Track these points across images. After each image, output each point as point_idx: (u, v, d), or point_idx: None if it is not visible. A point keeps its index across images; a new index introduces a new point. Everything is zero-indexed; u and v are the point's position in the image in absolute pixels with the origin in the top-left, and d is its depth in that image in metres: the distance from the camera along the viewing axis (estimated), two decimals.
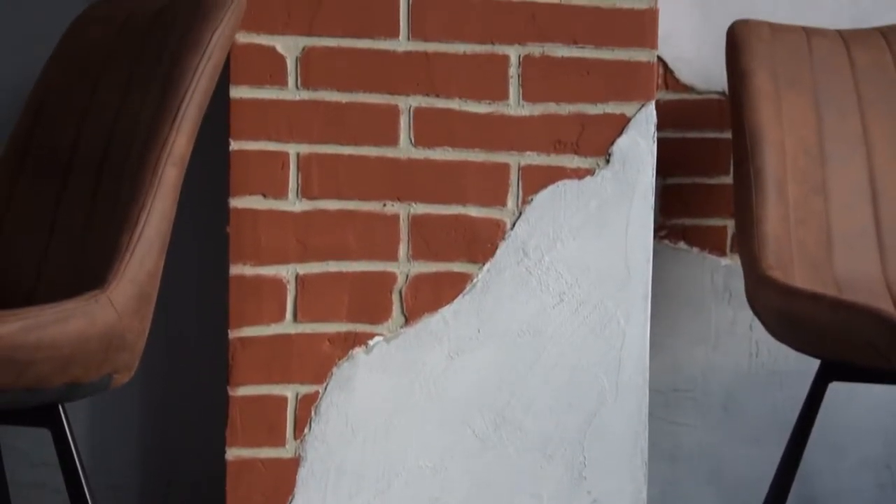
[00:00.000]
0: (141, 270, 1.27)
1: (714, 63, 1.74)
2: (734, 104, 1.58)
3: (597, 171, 1.51)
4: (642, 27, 1.49)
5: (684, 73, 1.79)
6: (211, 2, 1.38)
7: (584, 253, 1.51)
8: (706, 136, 1.81)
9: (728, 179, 1.76)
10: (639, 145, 1.51)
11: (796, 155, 1.57)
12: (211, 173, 1.56)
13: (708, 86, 1.79)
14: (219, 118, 1.50)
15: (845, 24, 1.73)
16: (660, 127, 1.57)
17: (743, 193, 1.54)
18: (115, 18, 1.50)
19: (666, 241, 1.80)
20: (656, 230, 1.74)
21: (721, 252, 1.81)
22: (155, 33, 1.43)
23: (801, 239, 1.55)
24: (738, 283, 1.65)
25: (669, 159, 1.75)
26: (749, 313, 1.64)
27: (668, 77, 1.78)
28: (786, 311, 1.43)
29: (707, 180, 1.81)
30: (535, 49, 1.50)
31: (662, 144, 1.62)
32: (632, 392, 1.53)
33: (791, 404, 1.77)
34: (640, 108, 1.51)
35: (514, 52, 1.50)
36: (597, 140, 1.51)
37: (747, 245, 1.51)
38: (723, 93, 1.76)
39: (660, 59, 1.74)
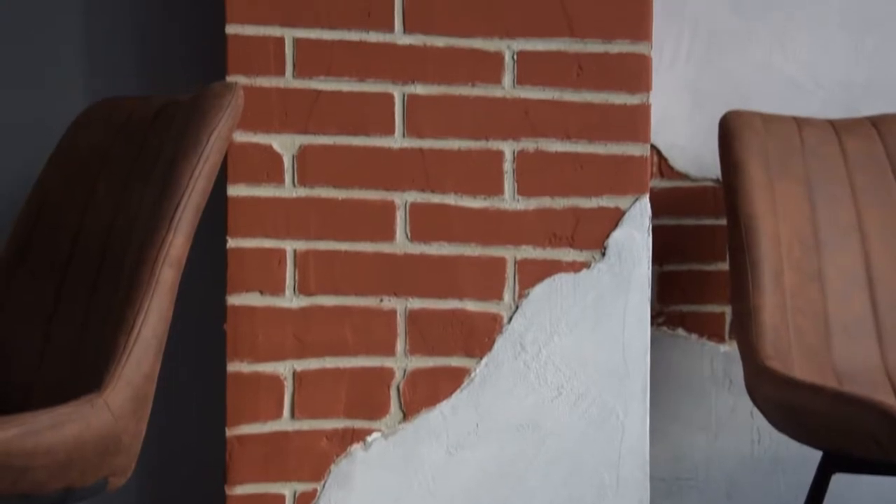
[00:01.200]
0: (138, 372, 1.27)
1: (707, 150, 1.75)
2: (728, 195, 1.59)
3: (592, 264, 1.52)
4: (635, 122, 1.51)
5: (678, 161, 1.80)
6: (208, 103, 1.39)
7: (581, 346, 1.51)
8: (702, 222, 1.81)
9: (724, 266, 1.76)
10: (634, 238, 1.52)
11: (791, 244, 1.58)
12: (208, 270, 1.56)
13: (702, 173, 1.80)
14: (216, 215, 1.51)
15: (836, 112, 1.75)
16: (655, 214, 1.58)
17: (739, 283, 1.54)
18: (115, 119, 1.52)
19: (664, 328, 1.79)
20: (654, 317, 1.74)
21: (720, 338, 1.80)
22: (153, 134, 1.45)
23: (799, 328, 1.54)
24: (738, 370, 1.64)
25: (666, 246, 1.76)
26: (750, 400, 1.63)
27: (663, 164, 1.80)
28: (786, 403, 1.42)
29: (703, 267, 1.81)
30: (528, 144, 1.51)
31: (658, 231, 1.62)
32: (633, 486, 1.52)
33: (795, 491, 1.75)
34: (634, 202, 1.52)
35: (508, 148, 1.51)
36: (592, 233, 1.52)
37: (745, 335, 1.50)
38: (717, 180, 1.77)
39: (653, 147, 1.76)
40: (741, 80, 1.79)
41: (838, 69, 1.78)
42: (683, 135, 1.80)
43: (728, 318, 1.80)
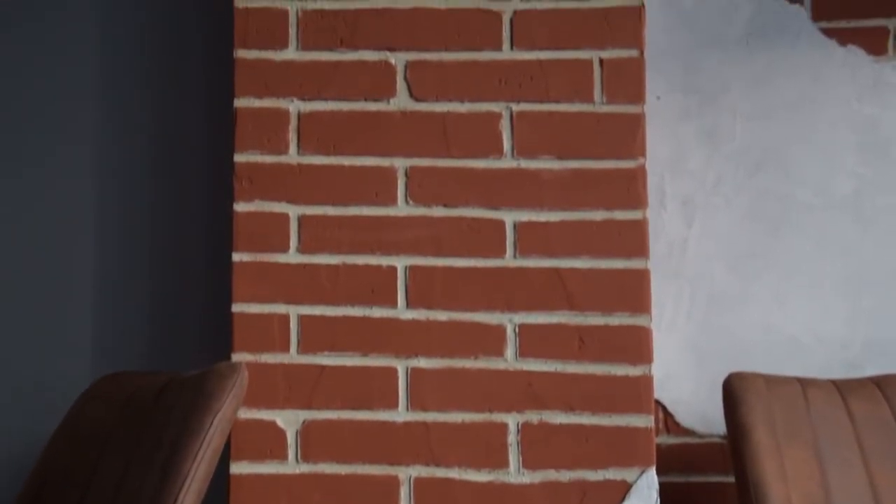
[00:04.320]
0: None
1: (712, 407, 1.75)
2: (736, 459, 1.56)
3: None
4: (638, 394, 1.51)
5: (684, 417, 1.79)
6: (212, 385, 1.40)
7: None
8: (710, 480, 1.78)
9: None
10: None
11: None
12: None
13: (708, 429, 1.79)
14: (218, 491, 1.49)
15: (838, 370, 1.75)
16: (664, 471, 1.55)
17: None
18: (119, 396, 1.53)
19: None
20: None
21: None
22: (157, 414, 1.45)
23: None
24: None
25: None
26: None
27: (669, 420, 1.79)
28: None
29: None
30: (532, 417, 1.51)
31: (668, 489, 1.59)
32: None
33: None
34: (640, 474, 1.50)
35: (512, 420, 1.51)
36: None
37: None
38: (724, 436, 1.75)
39: (658, 403, 1.76)
40: (742, 339, 1.80)
41: (837, 328, 1.79)
42: (688, 391, 1.80)
43: None
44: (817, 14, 1.81)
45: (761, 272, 1.80)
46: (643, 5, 1.52)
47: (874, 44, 1.79)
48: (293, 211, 1.53)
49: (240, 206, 1.53)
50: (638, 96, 1.52)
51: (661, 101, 1.83)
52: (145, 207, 1.76)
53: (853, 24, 1.79)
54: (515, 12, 1.53)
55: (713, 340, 1.80)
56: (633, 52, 1.52)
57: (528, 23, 1.53)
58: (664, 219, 1.83)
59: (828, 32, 1.80)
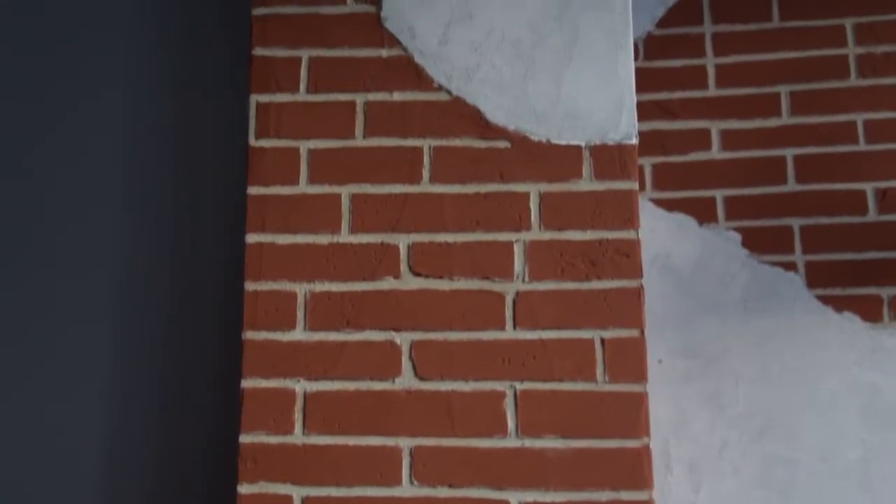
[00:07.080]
0: None
1: None
2: None
3: None
4: None
5: None
6: None
7: None
8: None
9: None
10: None
11: None
12: None
13: None
14: None
15: None
16: None
17: None
18: None
19: None
20: None
21: None
22: None
23: None
24: None
25: None
26: None
27: None
28: None
29: None
30: None
31: None
32: None
33: None
34: None
35: None
36: None
37: None
38: None
39: None
40: None
41: None
42: None
43: None
44: (812, 281, 1.85)
45: None
46: (642, 287, 1.56)
47: (869, 311, 1.83)
48: (297, 492, 1.52)
49: (244, 488, 1.52)
50: (640, 375, 1.54)
51: (662, 365, 1.86)
52: (147, 480, 1.75)
53: (848, 291, 1.84)
54: (518, 293, 1.57)
55: None
56: (634, 332, 1.55)
57: (530, 303, 1.56)
58: (670, 483, 1.81)
59: (823, 299, 1.84)
